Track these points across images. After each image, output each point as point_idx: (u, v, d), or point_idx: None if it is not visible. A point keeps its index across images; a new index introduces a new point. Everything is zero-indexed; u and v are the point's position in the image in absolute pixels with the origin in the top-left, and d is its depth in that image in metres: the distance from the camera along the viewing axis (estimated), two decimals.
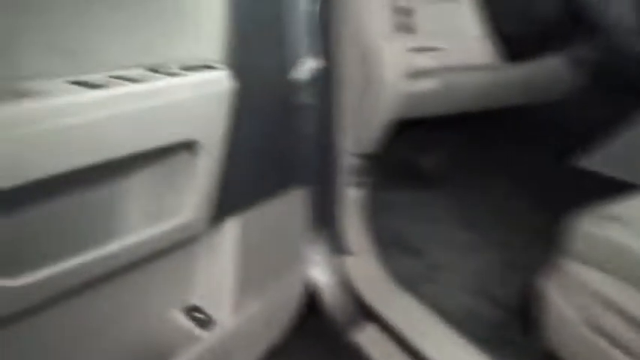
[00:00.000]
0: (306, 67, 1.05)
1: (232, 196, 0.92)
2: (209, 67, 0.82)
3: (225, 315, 0.97)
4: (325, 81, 1.14)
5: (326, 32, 1.13)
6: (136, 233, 0.79)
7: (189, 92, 0.78)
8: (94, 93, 0.66)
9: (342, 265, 1.25)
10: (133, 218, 0.83)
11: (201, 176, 0.83)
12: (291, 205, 1.11)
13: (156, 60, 0.78)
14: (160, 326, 0.94)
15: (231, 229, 0.96)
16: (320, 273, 1.22)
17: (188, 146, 0.80)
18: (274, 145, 1.01)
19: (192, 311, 0.96)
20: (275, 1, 0.93)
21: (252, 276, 1.03)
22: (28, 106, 0.60)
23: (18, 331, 0.69)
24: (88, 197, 0.76)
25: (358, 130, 1.27)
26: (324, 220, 1.23)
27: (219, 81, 0.82)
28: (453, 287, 1.36)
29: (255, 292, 1.05)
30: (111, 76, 0.71)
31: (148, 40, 0.78)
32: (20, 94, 0.61)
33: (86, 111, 0.65)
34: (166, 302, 0.94)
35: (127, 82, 0.71)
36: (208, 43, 0.83)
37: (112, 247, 0.74)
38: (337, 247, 1.26)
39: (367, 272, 1.28)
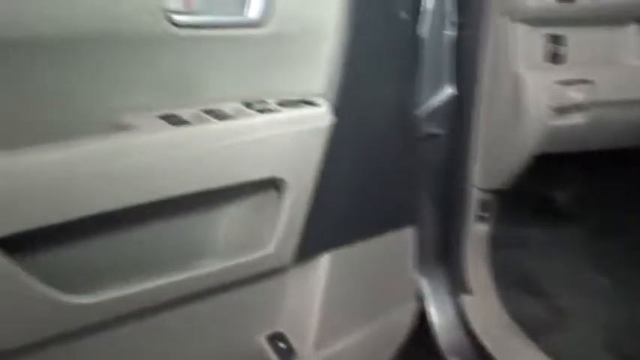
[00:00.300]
0: (432, 97, 1.00)
1: (328, 231, 0.92)
2: (308, 103, 0.82)
3: (308, 348, 0.96)
4: (456, 111, 1.08)
5: (460, 60, 1.08)
6: (220, 260, 0.80)
7: (280, 130, 0.78)
8: (184, 130, 0.69)
9: (460, 305, 1.20)
10: (219, 246, 0.84)
11: (288, 212, 0.83)
12: (399, 242, 1.07)
13: (255, 92, 0.79)
14: (242, 351, 0.94)
15: (325, 263, 0.95)
16: (435, 312, 1.17)
17: (275, 183, 0.80)
18: (380, 181, 0.97)
19: (275, 339, 0.96)
20: (392, 28, 0.89)
21: (345, 312, 1.01)
22: (123, 139, 0.65)
23: (101, 345, 0.74)
24: (176, 223, 0.79)
25: (493, 164, 1.21)
26: (441, 257, 1.19)
27: (316, 118, 0.82)
28: (581, 339, 1.24)
29: (348, 328, 1.02)
30: (204, 110, 0.73)
31: (247, 73, 0.79)
32: (116, 127, 0.67)
33: (176, 146, 0.68)
34: (250, 328, 0.95)
35: (217, 119, 0.73)
36: (313, 75, 0.83)
37: (198, 271, 0.78)
38: (455, 285, 1.21)
39: (487, 314, 1.22)
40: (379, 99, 0.91)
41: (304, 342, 0.95)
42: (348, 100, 0.85)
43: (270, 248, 0.82)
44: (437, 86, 1.10)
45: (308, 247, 0.89)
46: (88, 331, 0.70)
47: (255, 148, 0.76)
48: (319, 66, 0.83)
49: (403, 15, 0.86)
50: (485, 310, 1.21)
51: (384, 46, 0.88)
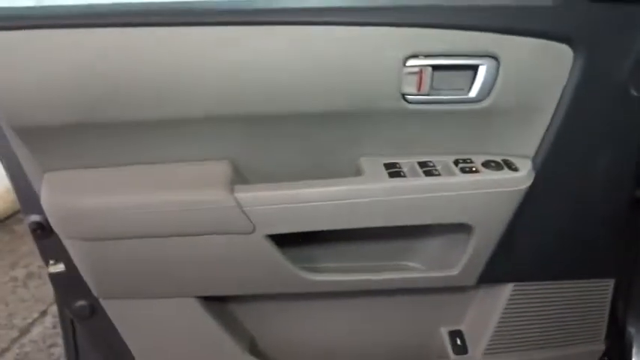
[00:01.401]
0: None
1: (514, 266, 1.04)
2: (510, 166, 0.92)
3: (478, 351, 1.13)
4: None
5: None
6: (421, 270, 1.08)
7: (478, 189, 0.90)
8: (403, 181, 0.90)
9: None
10: (422, 260, 1.09)
11: (473, 248, 0.98)
12: (595, 290, 1.11)
13: (465, 151, 0.94)
14: (427, 337, 1.18)
15: (508, 291, 1.07)
16: None
17: (466, 225, 0.95)
18: (578, 232, 1.02)
19: (455, 335, 1.16)
20: (618, 104, 0.88)
21: (519, 334, 1.12)
22: (358, 184, 0.91)
23: (320, 308, 1.14)
24: (390, 242, 1.08)
25: None
26: None
27: (514, 181, 0.91)
28: None
29: (519, 348, 1.13)
30: (419, 162, 0.93)
31: (460, 136, 0.92)
32: (355, 171, 0.95)
33: (396, 193, 0.90)
34: (437, 321, 1.17)
35: (428, 171, 0.91)
36: (522, 140, 0.92)
37: (404, 274, 1.05)
38: None
39: None
40: (590, 168, 0.94)
41: (477, 346, 1.13)
42: (556, 166, 0.92)
43: (454, 271, 1.01)
44: None
45: (492, 275, 1.03)
46: (314, 297, 1.07)
47: (455, 200, 0.91)
48: (529, 132, 0.90)
49: (633, 93, 0.86)
50: None
51: (606, 120, 0.89)
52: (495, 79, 0.83)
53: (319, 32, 0.79)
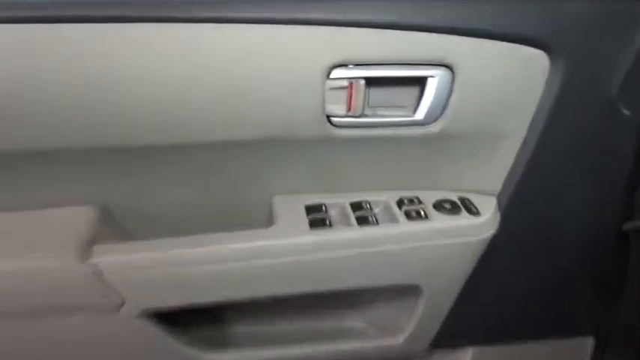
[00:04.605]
0: None
1: (472, 328, 0.86)
2: (469, 209, 0.73)
3: None
4: None
5: None
6: (358, 340, 0.83)
7: (429, 241, 0.71)
8: (327, 235, 0.69)
9: None
10: (360, 328, 0.87)
11: (422, 311, 0.79)
12: (572, 350, 0.93)
13: (411, 187, 0.75)
14: None
15: (469, 356, 0.89)
16: None
17: (413, 286, 0.77)
18: (546, 285, 0.84)
19: None
20: (607, 125, 0.70)
21: None
22: (271, 240, 0.69)
23: None
24: (318, 309, 0.85)
25: None
26: None
27: (474, 229, 0.72)
28: None
29: None
30: (352, 203, 0.73)
31: (403, 167, 0.74)
32: (268, 214, 0.74)
33: (318, 250, 0.69)
34: None
35: (362, 217, 0.71)
36: (484, 172, 0.74)
37: (338, 345, 0.82)
38: None
39: None
40: (570, 200, 0.75)
41: None
42: (527, 204, 0.74)
43: (399, 338, 0.81)
44: None
45: (447, 339, 0.85)
46: None
47: (397, 257, 0.72)
48: (494, 162, 0.72)
49: (625, 112, 0.68)
50: None
51: (589, 143, 0.71)
52: (449, 95, 0.64)
53: (210, 32, 0.57)
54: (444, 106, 0.64)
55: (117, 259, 0.64)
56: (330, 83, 0.61)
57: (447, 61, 0.61)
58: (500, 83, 0.64)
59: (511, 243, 0.76)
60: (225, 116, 0.61)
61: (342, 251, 0.70)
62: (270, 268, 0.69)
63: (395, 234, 0.70)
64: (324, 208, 0.73)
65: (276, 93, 0.60)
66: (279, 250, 0.68)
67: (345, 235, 0.70)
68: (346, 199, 0.74)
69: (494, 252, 0.75)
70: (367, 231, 0.70)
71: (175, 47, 0.57)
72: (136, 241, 0.66)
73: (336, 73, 0.61)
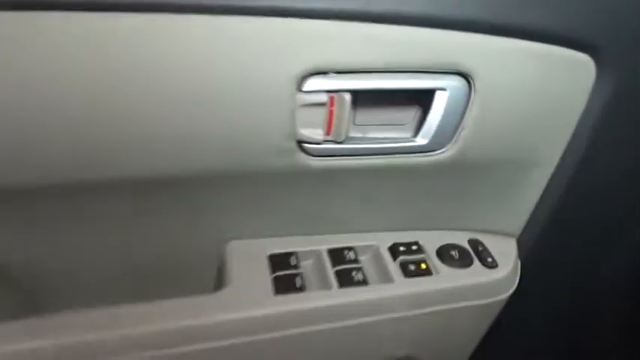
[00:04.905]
0: None
1: None
2: (483, 258, 0.58)
3: None
4: None
5: None
6: None
7: (432, 307, 0.56)
8: (296, 304, 0.51)
9: None
10: None
11: None
12: None
13: (410, 227, 0.60)
14: None
15: None
16: None
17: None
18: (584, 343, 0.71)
19: None
20: None
21: None
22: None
23: None
24: None
25: None
26: None
27: (490, 287, 0.57)
28: None
29: None
30: (331, 250, 0.57)
31: (398, 204, 0.58)
32: (221, 261, 0.58)
33: (285, 325, 0.52)
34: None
35: (346, 273, 0.54)
36: (501, 211, 0.60)
37: None
38: None
39: None
40: (614, 247, 0.62)
41: None
42: (556, 248, 0.60)
43: None
44: None
45: None
46: None
47: (390, 327, 0.56)
48: (514, 198, 0.58)
49: None
50: None
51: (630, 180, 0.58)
52: (464, 112, 0.47)
53: (140, 25, 0.38)
54: (457, 128, 0.48)
55: None
56: (302, 98, 0.44)
57: (462, 67, 0.45)
58: (531, 97, 0.48)
59: (533, 302, 0.61)
60: (152, 145, 0.44)
61: (315, 327, 0.53)
62: (215, 355, 0.50)
63: (387, 298, 0.53)
64: (294, 258, 0.56)
65: (226, 112, 0.43)
66: (229, 327, 0.50)
67: (321, 302, 0.52)
68: (324, 246, 0.57)
69: (511, 313, 0.59)
70: (350, 296, 0.53)
71: (77, 50, 0.38)
72: (26, 319, 0.47)
73: (311, 83, 0.43)
